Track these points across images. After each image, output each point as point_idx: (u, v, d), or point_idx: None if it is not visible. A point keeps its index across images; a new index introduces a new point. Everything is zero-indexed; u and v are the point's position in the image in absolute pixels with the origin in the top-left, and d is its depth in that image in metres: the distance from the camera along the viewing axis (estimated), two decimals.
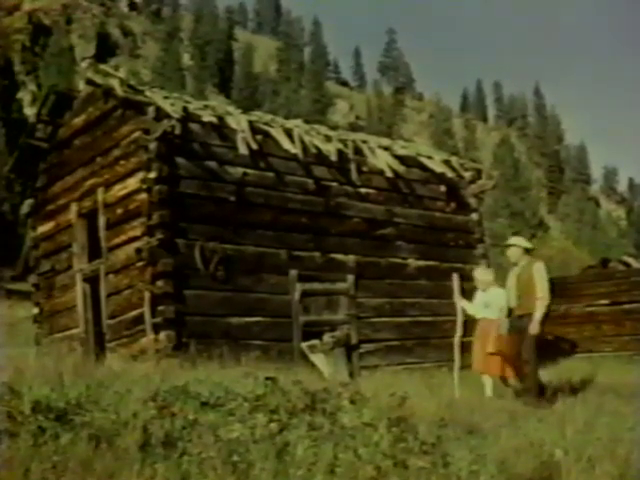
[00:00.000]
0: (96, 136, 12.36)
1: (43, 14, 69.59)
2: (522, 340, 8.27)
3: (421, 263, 14.07)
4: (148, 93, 11.64)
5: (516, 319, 8.47)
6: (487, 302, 8.88)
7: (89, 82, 12.48)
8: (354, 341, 12.61)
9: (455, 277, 9.35)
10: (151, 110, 11.17)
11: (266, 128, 12.36)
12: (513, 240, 8.82)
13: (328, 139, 13.16)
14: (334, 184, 13.11)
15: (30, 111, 46.01)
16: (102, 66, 13.10)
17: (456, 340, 9.02)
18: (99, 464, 3.53)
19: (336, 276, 12.76)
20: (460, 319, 9.01)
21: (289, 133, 12.49)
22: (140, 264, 11.01)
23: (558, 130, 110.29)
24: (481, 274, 9.31)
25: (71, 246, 12.90)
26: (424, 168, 14.53)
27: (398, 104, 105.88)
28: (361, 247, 13.23)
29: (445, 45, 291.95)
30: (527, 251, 8.63)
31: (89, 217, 12.56)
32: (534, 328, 8.18)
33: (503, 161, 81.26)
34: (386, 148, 14.21)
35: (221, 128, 11.81)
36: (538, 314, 8.21)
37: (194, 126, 11.55)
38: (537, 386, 8.15)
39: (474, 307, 9.04)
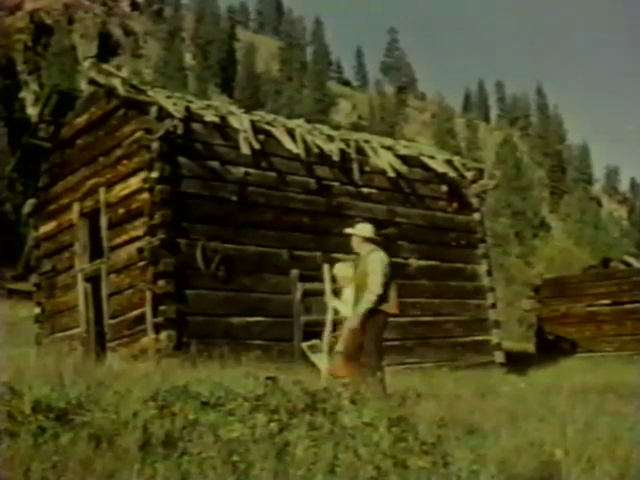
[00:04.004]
0: (98, 136, 12.38)
1: (45, 14, 69.59)
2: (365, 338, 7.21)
3: (422, 263, 14.07)
4: (150, 93, 11.66)
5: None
6: (345, 299, 8.03)
7: (91, 82, 12.50)
8: None
9: (326, 268, 8.53)
10: (153, 110, 11.18)
11: (268, 128, 12.37)
12: (353, 228, 7.72)
13: (330, 139, 13.18)
14: (336, 184, 13.12)
15: (32, 111, 46.04)
16: (104, 66, 13.07)
17: (325, 339, 8.21)
18: (99, 464, 3.53)
19: None
20: (329, 320, 8.11)
21: (291, 133, 12.51)
22: (142, 264, 11.03)
23: (560, 130, 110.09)
24: (339, 270, 8.25)
25: (73, 246, 12.92)
26: (426, 168, 14.55)
27: (400, 104, 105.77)
28: None
29: (447, 45, 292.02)
30: (371, 240, 7.55)
31: (91, 217, 12.58)
32: (351, 321, 7.22)
33: (505, 161, 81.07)
34: (388, 148, 14.22)
35: (223, 128, 11.83)
36: (360, 308, 7.17)
37: (196, 126, 11.57)
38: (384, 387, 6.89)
39: (345, 305, 8.01)
